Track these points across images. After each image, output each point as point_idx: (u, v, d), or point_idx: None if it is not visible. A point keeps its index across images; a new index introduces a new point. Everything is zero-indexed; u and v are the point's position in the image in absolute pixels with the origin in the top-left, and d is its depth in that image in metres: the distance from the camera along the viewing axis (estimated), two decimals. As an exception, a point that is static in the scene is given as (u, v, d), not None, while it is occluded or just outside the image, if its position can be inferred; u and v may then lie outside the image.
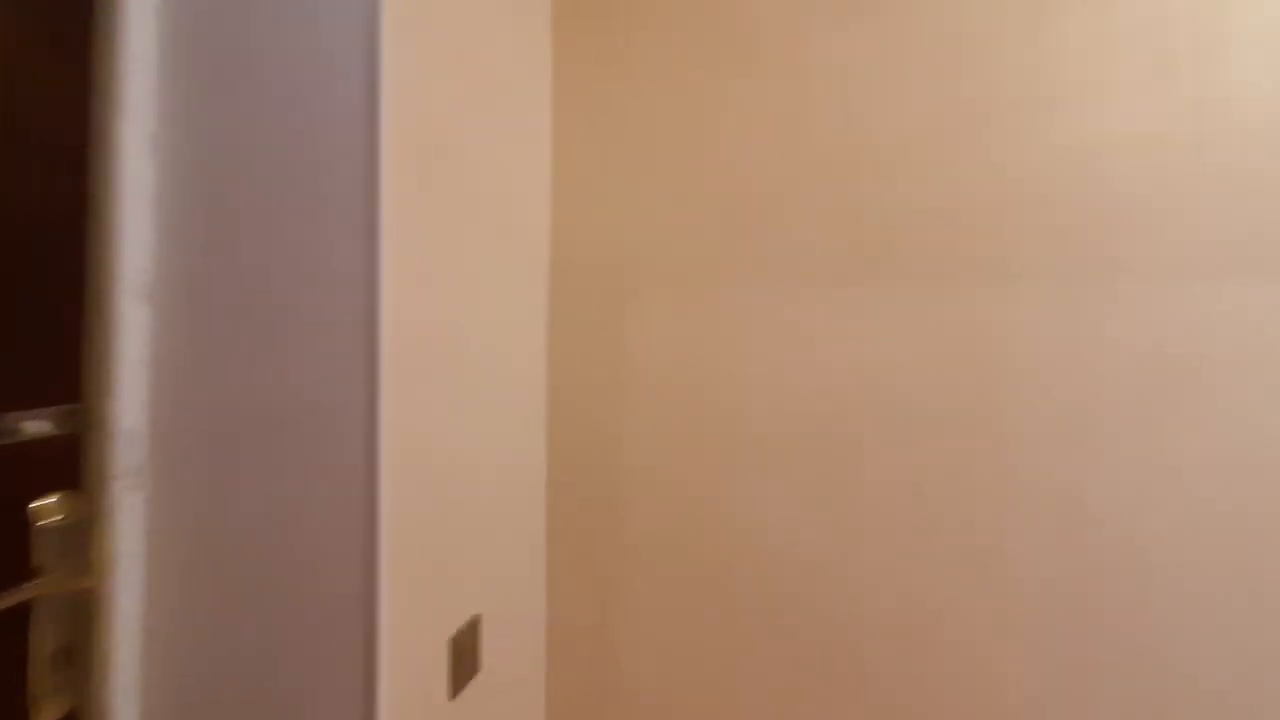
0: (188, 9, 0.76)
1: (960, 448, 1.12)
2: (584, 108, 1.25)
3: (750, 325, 1.19)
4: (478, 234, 0.99)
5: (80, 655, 0.71)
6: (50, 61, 0.69)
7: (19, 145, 0.66)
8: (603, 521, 1.25)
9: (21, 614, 0.66)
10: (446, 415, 0.90)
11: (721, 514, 1.20)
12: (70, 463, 0.72)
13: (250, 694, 0.74)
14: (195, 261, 0.75)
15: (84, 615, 0.71)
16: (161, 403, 0.75)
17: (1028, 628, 1.10)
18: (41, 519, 0.68)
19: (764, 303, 1.19)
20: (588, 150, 1.25)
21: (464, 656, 0.93)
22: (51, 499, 0.69)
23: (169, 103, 0.76)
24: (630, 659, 1.24)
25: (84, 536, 0.71)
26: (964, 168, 1.11)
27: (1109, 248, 1.08)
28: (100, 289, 0.73)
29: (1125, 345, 1.07)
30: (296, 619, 0.73)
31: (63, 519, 0.69)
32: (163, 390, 0.75)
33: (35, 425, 0.68)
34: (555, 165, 1.26)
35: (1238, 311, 1.04)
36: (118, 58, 0.73)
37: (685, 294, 1.21)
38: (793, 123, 1.17)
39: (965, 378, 1.12)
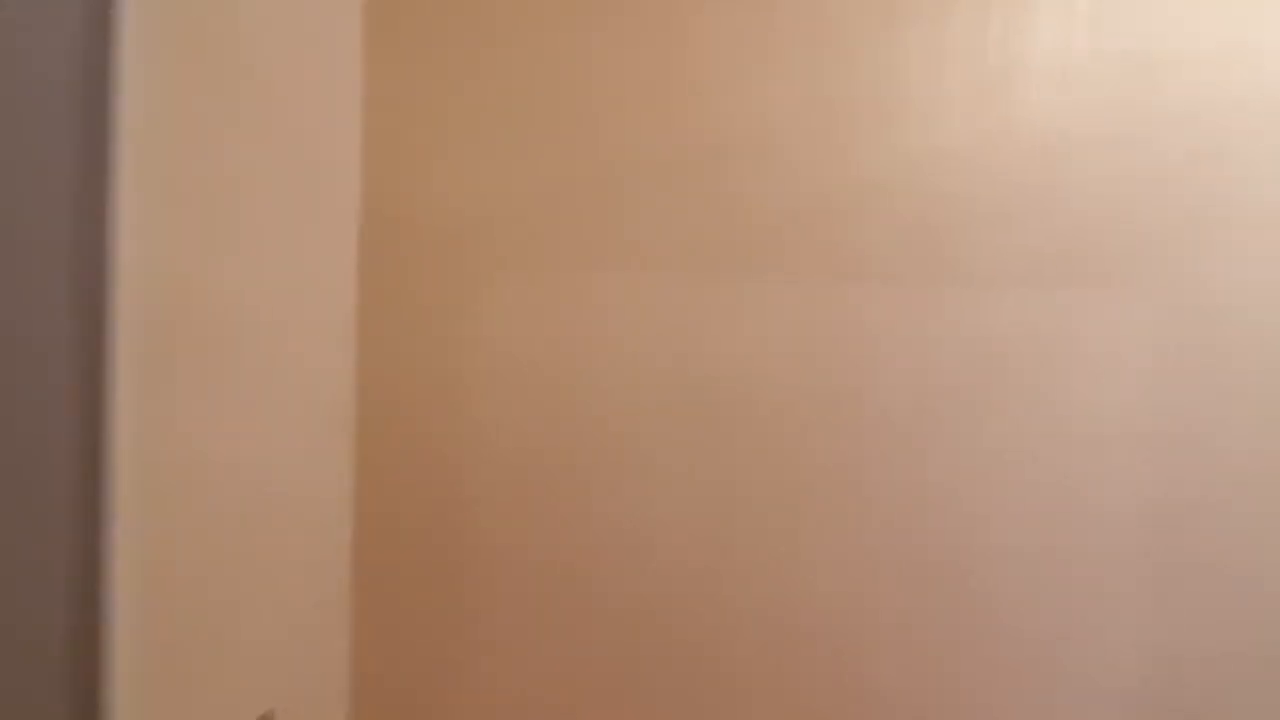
0: None
1: (821, 438, 1.12)
2: (409, 47, 1.02)
3: (608, 312, 1.07)
4: (263, 169, 0.72)
5: None
6: None
7: None
8: (432, 560, 1.01)
9: None
10: (216, 425, 0.62)
11: (588, 540, 1.05)
12: None
13: None
14: None
15: None
16: None
17: (890, 611, 1.13)
18: None
19: (623, 288, 1.07)
20: (413, 100, 1.04)
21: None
22: None
23: None
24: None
25: None
26: (822, 164, 1.12)
27: (946, 250, 1.16)
28: None
29: (961, 342, 1.16)
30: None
31: None
32: None
33: None
34: (368, 114, 1.00)
35: (1051, 315, 1.20)
36: None
37: (538, 275, 1.05)
38: (659, 100, 1.09)
39: (825, 369, 1.12)
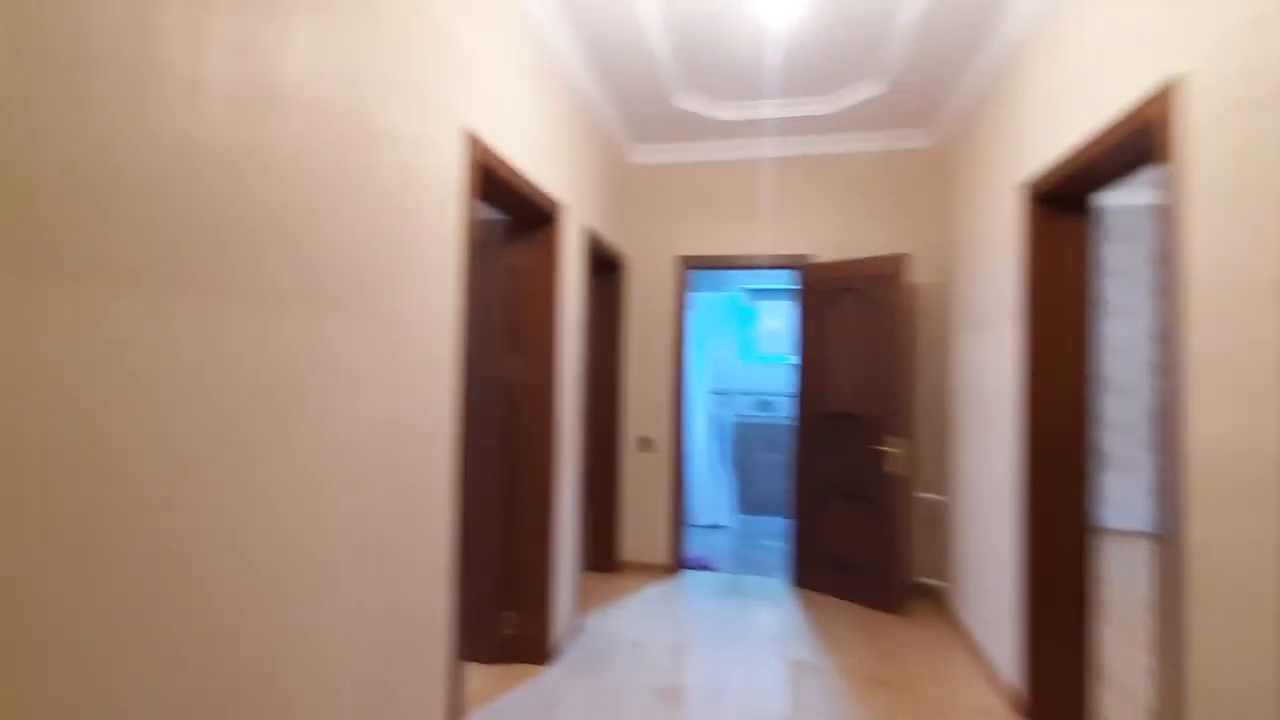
0: None
1: (117, 455, 0.92)
2: None
3: None
4: None
5: None
6: None
7: None
8: None
9: None
10: None
11: None
12: None
13: None
14: None
15: None
16: None
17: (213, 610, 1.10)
18: None
19: None
20: None
21: None
22: None
23: None
24: None
25: None
26: (68, 144, 0.84)
27: (232, 265, 1.10)
28: None
29: (239, 364, 1.13)
30: None
31: None
32: None
33: None
34: None
35: (318, 340, 1.32)
36: None
37: None
38: None
39: (83, 386, 0.88)
